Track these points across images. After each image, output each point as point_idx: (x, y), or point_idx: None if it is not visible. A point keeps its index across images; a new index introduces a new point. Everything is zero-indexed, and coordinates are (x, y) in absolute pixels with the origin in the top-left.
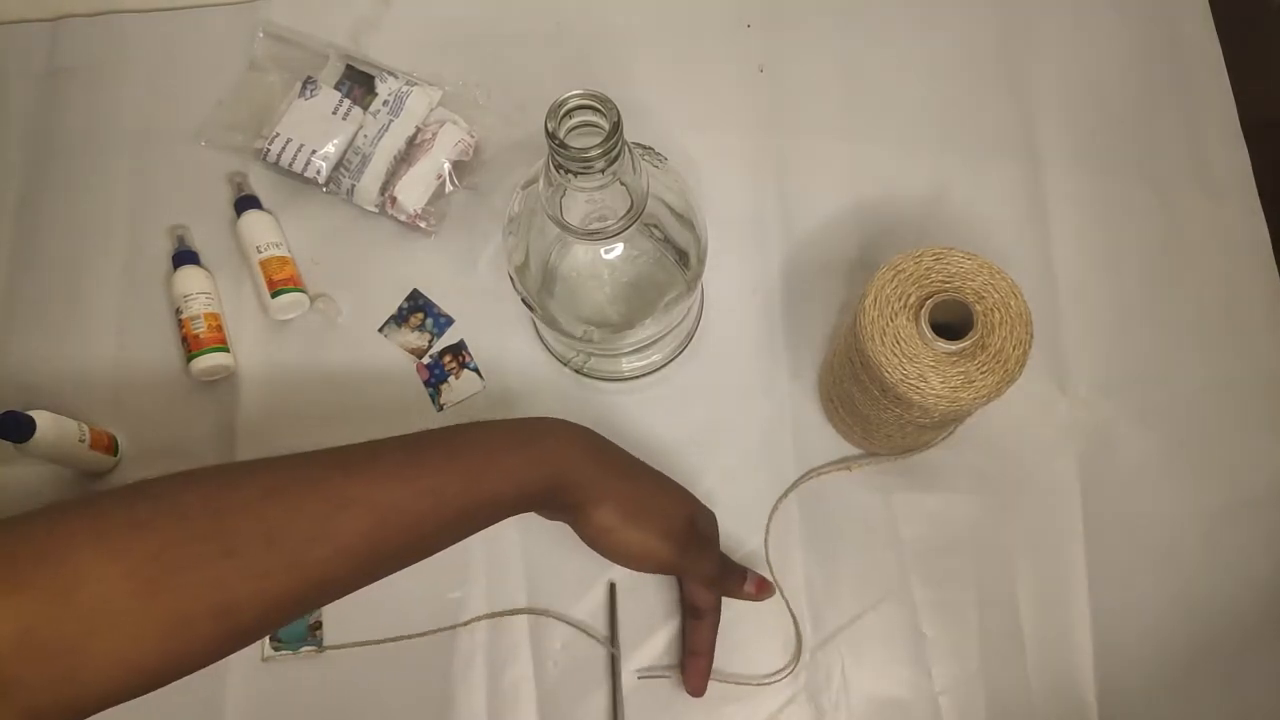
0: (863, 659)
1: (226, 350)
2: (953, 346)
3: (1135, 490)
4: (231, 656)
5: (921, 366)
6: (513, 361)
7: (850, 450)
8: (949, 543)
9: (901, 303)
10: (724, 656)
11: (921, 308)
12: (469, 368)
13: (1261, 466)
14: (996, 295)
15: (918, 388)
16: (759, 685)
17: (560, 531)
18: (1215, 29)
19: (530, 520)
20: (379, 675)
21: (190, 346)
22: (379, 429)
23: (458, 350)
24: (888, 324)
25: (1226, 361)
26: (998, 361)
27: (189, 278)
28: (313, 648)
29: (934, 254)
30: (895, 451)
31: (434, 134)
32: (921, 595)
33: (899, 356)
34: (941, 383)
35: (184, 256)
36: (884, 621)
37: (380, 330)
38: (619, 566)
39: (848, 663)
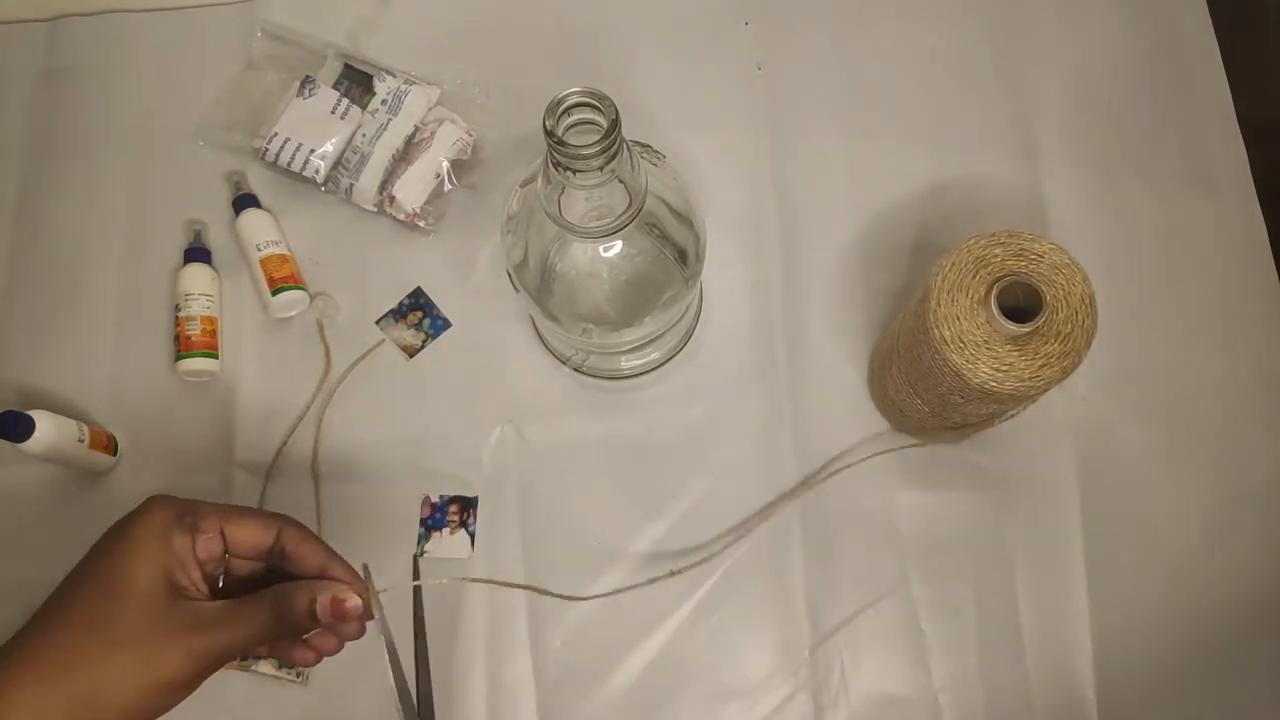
0: (862, 656)
1: (215, 357)
2: (1012, 326)
3: (1133, 486)
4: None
5: (971, 328)
6: (511, 360)
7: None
8: (948, 540)
9: (984, 271)
10: (724, 655)
11: (998, 281)
12: (468, 529)
13: (1259, 462)
14: (1074, 314)
15: (962, 352)
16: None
17: None
18: (1214, 28)
19: None
20: (379, 673)
21: (180, 346)
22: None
23: (467, 506)
24: (962, 279)
25: (1224, 358)
26: (1040, 356)
27: (195, 276)
28: None
29: (1058, 250)
30: (939, 426)
31: (432, 133)
32: (921, 592)
33: (953, 315)
34: (978, 354)
35: (195, 253)
36: (883, 619)
37: (377, 323)
38: None
39: (847, 660)
